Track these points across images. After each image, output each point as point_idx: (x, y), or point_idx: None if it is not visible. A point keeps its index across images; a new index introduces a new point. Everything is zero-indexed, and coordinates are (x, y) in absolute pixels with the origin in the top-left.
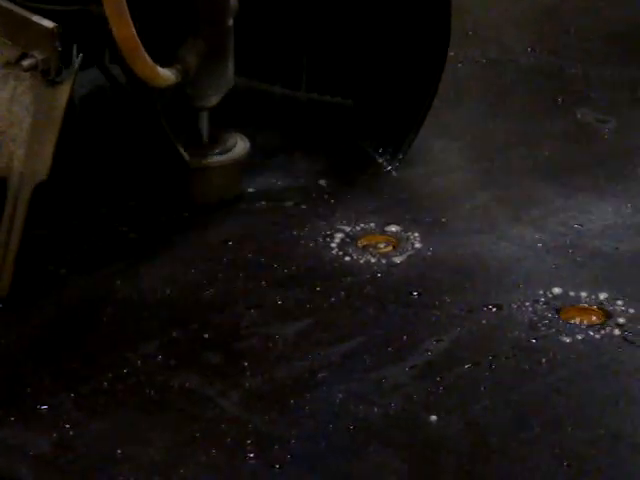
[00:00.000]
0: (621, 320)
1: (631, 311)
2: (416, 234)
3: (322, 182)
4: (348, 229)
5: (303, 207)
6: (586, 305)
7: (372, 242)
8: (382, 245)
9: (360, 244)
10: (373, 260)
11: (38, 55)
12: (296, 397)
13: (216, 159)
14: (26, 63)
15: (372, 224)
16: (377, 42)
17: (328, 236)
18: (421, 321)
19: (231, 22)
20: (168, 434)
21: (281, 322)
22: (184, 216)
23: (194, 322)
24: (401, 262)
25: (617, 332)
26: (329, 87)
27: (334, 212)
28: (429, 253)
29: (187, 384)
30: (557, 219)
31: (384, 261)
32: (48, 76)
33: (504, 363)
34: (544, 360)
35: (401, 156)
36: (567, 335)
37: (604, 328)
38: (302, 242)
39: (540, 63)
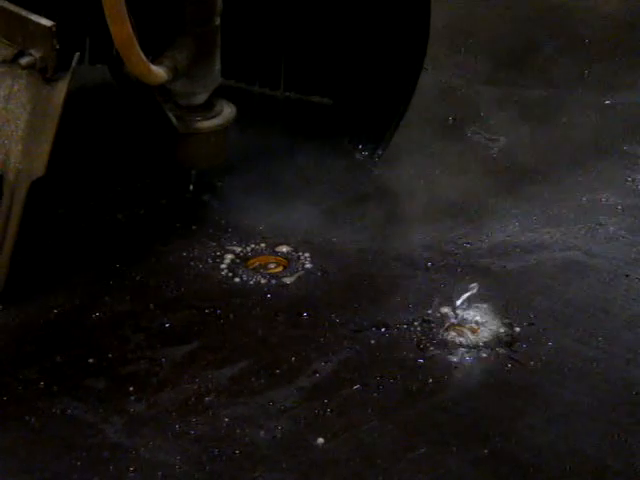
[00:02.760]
0: (507, 339)
1: (517, 330)
2: (307, 254)
3: (214, 203)
4: (238, 250)
5: (193, 227)
6: (474, 324)
7: (262, 263)
8: (272, 266)
9: (250, 265)
10: (263, 281)
11: (36, 53)
12: (181, 422)
13: (204, 124)
14: (24, 61)
15: (262, 245)
16: (356, 41)
17: (218, 257)
18: (310, 342)
19: (218, 21)
20: (48, 462)
21: (168, 345)
22: (71, 240)
23: (78, 346)
24: (291, 283)
25: (503, 351)
26: (307, 86)
27: (224, 233)
28: (319, 273)
29: (69, 410)
30: (446, 238)
31: (274, 282)
32: (46, 74)
33: (392, 384)
34: (431, 380)
35: (380, 152)
36: (454, 355)
37: (491, 347)
38: (191, 263)
39: (432, 82)
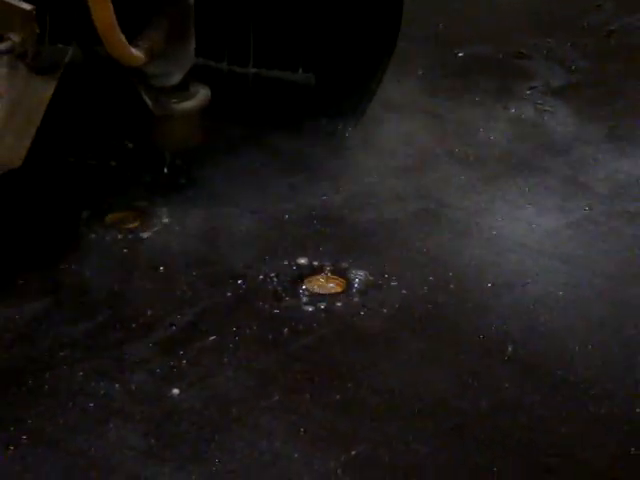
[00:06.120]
0: (361, 288)
1: (370, 279)
2: (164, 209)
3: (71, 158)
4: (95, 205)
5: (49, 183)
6: (328, 274)
7: (119, 218)
8: (129, 221)
9: (107, 220)
10: (120, 236)
11: (15, 38)
12: (35, 377)
13: (179, 106)
14: (2, 46)
15: (119, 200)
16: (329, 16)
17: (74, 212)
18: (166, 296)
19: (192, 0)
20: None
21: (22, 301)
22: None
23: None
24: (148, 237)
25: (357, 299)
26: (277, 62)
27: (81, 188)
28: (177, 228)
29: None
30: (303, 191)
31: (131, 236)
32: (25, 59)
33: (248, 334)
34: (286, 330)
35: (352, 126)
36: (309, 304)
37: (345, 296)
38: (47, 219)
39: None
